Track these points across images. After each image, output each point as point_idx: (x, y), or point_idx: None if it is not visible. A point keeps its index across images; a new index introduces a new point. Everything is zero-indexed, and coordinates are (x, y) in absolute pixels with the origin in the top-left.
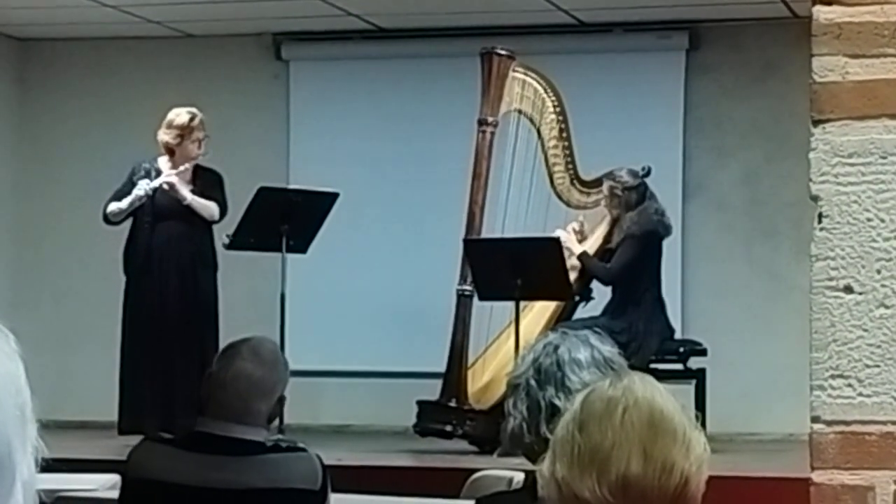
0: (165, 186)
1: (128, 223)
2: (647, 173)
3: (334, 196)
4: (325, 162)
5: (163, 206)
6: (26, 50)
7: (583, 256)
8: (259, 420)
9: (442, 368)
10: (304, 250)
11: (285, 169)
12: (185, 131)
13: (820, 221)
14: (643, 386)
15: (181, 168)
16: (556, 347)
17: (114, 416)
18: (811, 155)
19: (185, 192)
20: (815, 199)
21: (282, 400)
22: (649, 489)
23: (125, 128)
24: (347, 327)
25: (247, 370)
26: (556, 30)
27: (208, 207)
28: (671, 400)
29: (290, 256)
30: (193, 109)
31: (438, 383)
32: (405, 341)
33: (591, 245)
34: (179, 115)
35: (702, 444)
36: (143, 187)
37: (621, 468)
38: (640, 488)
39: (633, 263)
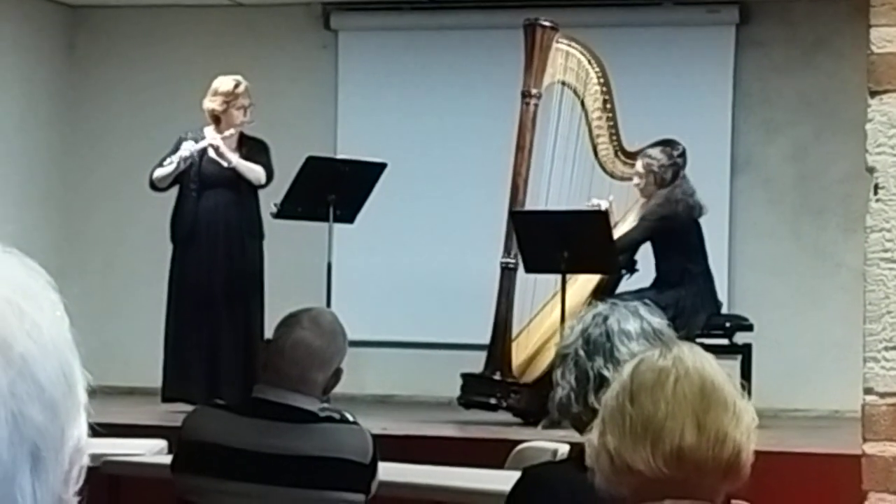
0: (210, 149)
1: (174, 190)
2: (682, 154)
3: (382, 166)
4: (372, 132)
5: (209, 173)
6: (76, 17)
7: None
8: (314, 390)
9: (486, 341)
10: (351, 220)
11: (333, 139)
12: (229, 98)
13: (876, 193)
14: (693, 356)
15: (227, 133)
16: (606, 318)
17: (160, 382)
18: (868, 126)
19: (231, 154)
20: (871, 170)
21: (338, 373)
22: (703, 460)
23: (174, 96)
24: (393, 298)
25: (306, 339)
26: (605, 3)
27: (254, 171)
28: (719, 370)
29: (337, 226)
30: (238, 77)
31: (482, 355)
32: (449, 313)
33: (626, 228)
34: (224, 82)
35: (750, 413)
36: (187, 148)
37: (676, 439)
38: (694, 459)
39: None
